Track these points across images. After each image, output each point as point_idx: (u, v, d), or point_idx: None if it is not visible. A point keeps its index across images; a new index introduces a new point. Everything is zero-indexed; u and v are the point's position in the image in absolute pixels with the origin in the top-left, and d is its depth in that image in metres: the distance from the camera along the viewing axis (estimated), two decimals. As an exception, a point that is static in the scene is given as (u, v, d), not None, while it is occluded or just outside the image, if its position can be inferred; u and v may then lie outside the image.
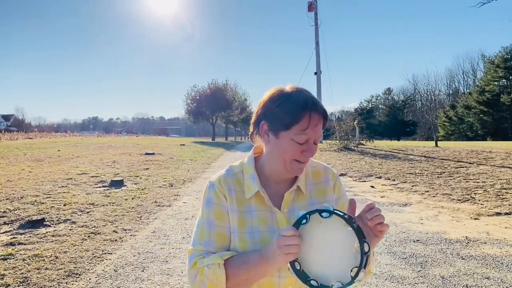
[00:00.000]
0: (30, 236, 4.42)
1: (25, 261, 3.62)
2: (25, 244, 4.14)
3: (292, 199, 1.12)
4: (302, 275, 0.93)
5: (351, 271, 0.88)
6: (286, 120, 1.04)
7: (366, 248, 0.87)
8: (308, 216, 0.92)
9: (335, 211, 0.90)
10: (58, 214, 5.44)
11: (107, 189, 7.64)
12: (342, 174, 10.42)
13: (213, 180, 1.15)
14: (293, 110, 1.03)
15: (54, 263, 3.59)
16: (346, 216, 0.89)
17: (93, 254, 3.90)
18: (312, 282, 0.92)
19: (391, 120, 61.34)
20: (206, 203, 1.12)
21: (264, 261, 0.96)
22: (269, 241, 1.01)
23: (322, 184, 1.16)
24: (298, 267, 0.93)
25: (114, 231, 4.76)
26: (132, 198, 6.83)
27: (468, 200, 6.56)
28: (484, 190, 7.25)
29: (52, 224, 4.96)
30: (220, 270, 0.99)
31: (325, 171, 1.18)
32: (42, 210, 5.59)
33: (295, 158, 1.05)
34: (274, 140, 1.07)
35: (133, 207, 6.11)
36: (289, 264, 0.94)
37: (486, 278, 3.24)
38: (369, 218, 0.93)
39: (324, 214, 0.91)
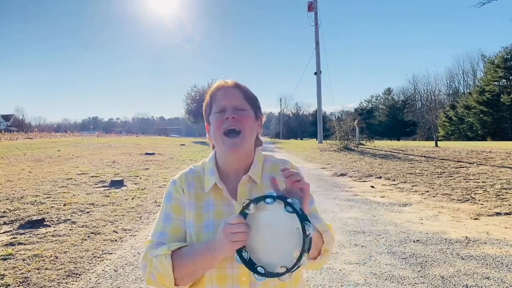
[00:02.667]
0: (30, 236, 4.42)
1: (25, 261, 3.62)
2: (25, 244, 4.14)
3: (249, 191, 1.13)
4: (249, 264, 0.92)
5: (294, 254, 0.86)
6: (207, 103, 1.18)
7: (308, 230, 0.85)
8: (253, 203, 0.93)
9: (279, 195, 0.90)
10: (58, 214, 5.44)
11: (107, 189, 7.64)
12: (342, 174, 10.42)
13: (175, 177, 1.20)
14: (208, 95, 1.18)
15: (54, 263, 3.59)
16: (288, 200, 0.88)
17: (93, 254, 3.90)
18: (259, 269, 0.91)
19: (391, 120, 61.33)
20: (166, 198, 1.16)
21: (211, 251, 0.97)
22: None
23: (280, 177, 1.15)
24: (245, 256, 0.93)
25: (114, 231, 4.76)
26: (132, 198, 6.84)
27: (468, 200, 6.56)
28: (484, 190, 7.25)
29: (52, 224, 4.96)
30: (167, 260, 1.01)
31: (283, 164, 1.20)
32: (42, 210, 5.59)
33: (223, 131, 1.09)
34: (210, 129, 1.18)
35: (133, 207, 6.12)
36: (236, 253, 0.93)
37: (486, 278, 3.24)
38: (285, 177, 0.93)
39: (267, 199, 0.91)
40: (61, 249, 3.98)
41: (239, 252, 0.93)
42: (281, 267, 0.88)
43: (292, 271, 0.87)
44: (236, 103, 1.12)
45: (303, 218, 0.86)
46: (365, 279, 3.26)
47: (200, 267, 1.00)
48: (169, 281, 1.01)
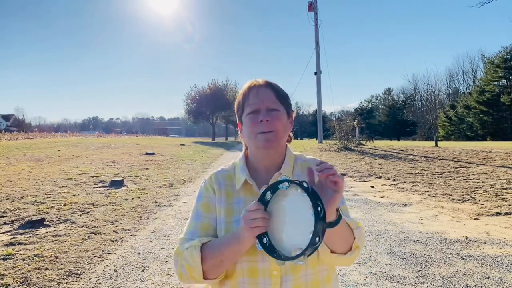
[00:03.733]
0: (30, 236, 4.42)
1: (25, 261, 3.62)
2: (25, 244, 4.14)
3: None
4: (269, 249, 0.93)
5: (310, 235, 0.86)
6: (240, 103, 1.18)
7: (320, 211, 0.85)
8: (269, 190, 0.94)
9: (293, 180, 0.91)
10: (58, 214, 5.44)
11: (107, 189, 7.64)
12: (342, 174, 10.40)
13: (206, 177, 1.23)
14: (240, 95, 1.18)
15: (54, 263, 3.59)
16: (302, 183, 0.89)
17: (93, 254, 3.90)
18: (277, 253, 0.91)
19: (391, 120, 61.31)
20: (197, 197, 1.19)
21: (235, 239, 0.98)
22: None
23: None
24: (265, 242, 0.93)
25: (114, 231, 4.76)
26: (132, 198, 6.83)
27: (468, 200, 6.56)
28: (484, 190, 7.25)
29: (52, 224, 4.96)
30: (196, 251, 1.03)
31: (314, 163, 1.20)
32: (42, 210, 5.59)
33: (258, 131, 1.10)
34: (243, 128, 1.18)
35: (133, 207, 6.12)
36: (256, 239, 0.94)
37: (486, 278, 3.24)
38: (319, 171, 0.93)
39: (282, 185, 0.92)
40: (61, 249, 3.98)
41: (260, 238, 0.94)
42: (297, 249, 0.88)
43: (307, 254, 0.87)
44: (269, 104, 1.12)
45: (315, 199, 0.87)
46: (365, 279, 3.26)
47: (227, 257, 1.01)
48: (198, 272, 1.02)
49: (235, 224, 1.09)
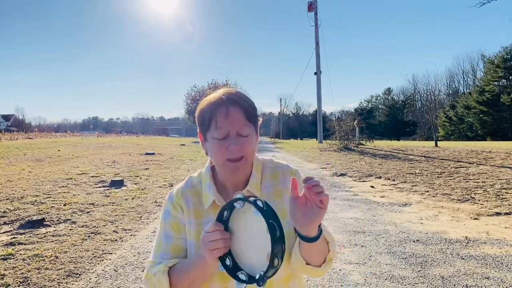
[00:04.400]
0: (30, 236, 4.42)
1: (25, 261, 3.63)
2: (25, 244, 4.14)
3: None
4: (232, 270, 0.90)
5: (267, 257, 0.83)
6: (204, 119, 1.05)
7: (275, 229, 0.82)
8: (226, 209, 0.91)
9: (247, 197, 0.88)
10: (58, 214, 5.44)
11: (107, 189, 7.64)
12: (342, 174, 10.43)
13: (172, 192, 1.16)
14: (205, 107, 1.05)
15: (54, 263, 3.59)
16: (256, 201, 0.85)
17: (93, 254, 3.90)
18: (240, 275, 0.89)
19: (391, 120, 61.34)
20: (164, 216, 1.13)
21: (200, 261, 0.96)
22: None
23: (279, 185, 1.12)
24: (228, 263, 0.91)
25: (114, 231, 4.76)
26: (132, 198, 6.84)
27: (468, 200, 6.56)
28: (484, 190, 7.25)
29: (52, 224, 4.96)
30: (164, 277, 1.01)
31: (283, 172, 1.14)
32: (42, 210, 5.60)
33: (226, 158, 1.02)
34: (206, 145, 1.08)
35: (133, 207, 6.12)
36: (218, 261, 0.91)
37: (486, 278, 3.24)
38: (308, 188, 0.87)
39: (236, 203, 0.88)
40: (61, 249, 3.98)
41: (223, 259, 0.91)
42: (260, 271, 0.85)
43: (268, 276, 0.84)
44: (238, 129, 1.01)
45: (270, 217, 0.83)
46: (365, 279, 3.26)
47: (194, 280, 0.99)
48: None
49: None
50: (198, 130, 1.12)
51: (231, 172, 1.04)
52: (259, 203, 0.85)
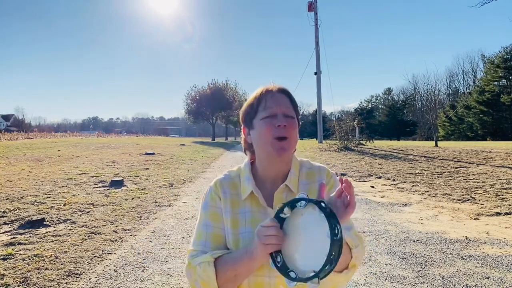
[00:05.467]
0: (30, 236, 4.42)
1: (25, 261, 3.62)
2: (25, 244, 4.14)
3: (285, 199, 1.12)
4: (282, 268, 0.91)
5: (322, 258, 0.84)
6: (252, 107, 1.15)
7: (337, 232, 0.83)
8: (286, 206, 0.92)
9: (311, 199, 0.89)
10: (58, 214, 5.44)
11: (107, 189, 7.64)
12: (342, 174, 10.43)
13: (211, 184, 1.20)
14: (254, 96, 1.16)
15: (54, 263, 3.59)
16: (320, 203, 0.87)
17: (93, 254, 3.90)
18: (290, 273, 0.90)
19: (391, 120, 61.30)
20: (203, 207, 1.17)
21: (249, 255, 0.97)
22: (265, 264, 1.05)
23: (315, 183, 1.16)
24: (279, 260, 0.92)
25: (114, 231, 4.76)
26: (132, 198, 6.84)
27: (468, 200, 6.56)
28: (484, 190, 7.25)
29: (52, 224, 4.96)
30: (210, 267, 1.01)
31: (319, 171, 1.19)
32: (42, 210, 5.59)
33: (274, 136, 1.08)
34: (253, 133, 1.14)
35: (133, 207, 6.12)
36: (270, 257, 0.92)
37: (486, 278, 3.24)
38: (344, 186, 0.90)
39: (300, 203, 0.90)
40: (61, 249, 3.98)
41: (273, 255, 0.92)
42: (312, 270, 0.86)
43: (320, 276, 0.85)
44: (285, 110, 1.11)
45: (332, 220, 0.84)
46: (365, 279, 3.26)
47: (240, 272, 1.00)
48: (213, 287, 1.01)
49: (241, 236, 1.08)
50: (242, 126, 1.21)
51: (277, 153, 1.08)
52: (323, 204, 0.87)
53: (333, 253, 0.83)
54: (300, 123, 1.21)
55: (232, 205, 1.13)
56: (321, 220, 0.86)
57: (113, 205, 6.19)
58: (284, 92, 1.15)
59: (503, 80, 47.81)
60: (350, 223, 1.11)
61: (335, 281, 1.06)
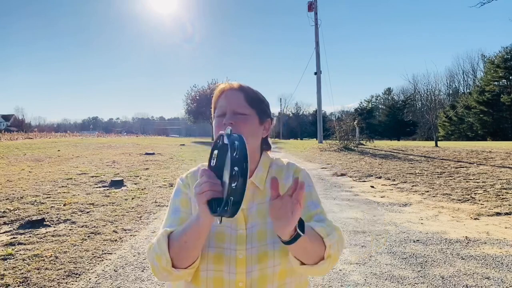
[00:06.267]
0: (30, 236, 4.42)
1: (25, 261, 3.62)
2: (25, 244, 4.14)
3: (252, 196, 1.12)
4: (215, 212, 0.86)
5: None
6: (212, 105, 1.18)
7: (231, 181, 0.80)
8: (213, 151, 0.93)
9: (230, 138, 0.87)
10: (58, 214, 5.44)
11: (107, 189, 7.64)
12: (342, 174, 10.43)
13: (183, 175, 1.22)
14: (214, 95, 1.18)
15: (54, 263, 3.59)
16: (233, 143, 0.85)
17: (93, 254, 3.90)
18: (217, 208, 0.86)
19: (391, 120, 61.34)
20: (175, 194, 1.17)
21: (196, 218, 0.94)
22: (223, 237, 1.05)
23: (282, 181, 1.16)
24: (213, 206, 0.86)
25: (114, 231, 4.76)
26: (132, 198, 6.83)
27: (468, 200, 6.56)
28: (484, 190, 7.25)
29: (52, 224, 4.96)
30: (163, 238, 1.00)
31: (287, 169, 1.18)
32: (42, 210, 5.59)
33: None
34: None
35: (133, 207, 6.11)
36: (207, 207, 0.87)
37: (486, 278, 3.24)
38: (295, 187, 0.86)
39: (219, 141, 0.91)
40: (61, 249, 3.98)
41: (211, 204, 0.86)
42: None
43: (220, 216, 0.83)
44: (235, 107, 1.10)
45: (234, 164, 0.81)
46: (365, 279, 3.26)
47: (190, 236, 0.96)
48: (166, 260, 0.97)
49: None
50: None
51: None
52: (236, 143, 0.84)
53: (228, 198, 0.81)
54: (272, 120, 1.19)
55: None
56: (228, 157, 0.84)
57: (113, 205, 6.19)
58: (239, 89, 1.14)
59: (503, 80, 47.84)
60: (323, 214, 1.10)
61: (311, 274, 1.03)
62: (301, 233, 0.90)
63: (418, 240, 4.35)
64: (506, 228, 4.83)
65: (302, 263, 0.99)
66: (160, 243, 1.00)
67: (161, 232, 1.02)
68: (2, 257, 3.71)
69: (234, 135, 0.87)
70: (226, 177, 0.86)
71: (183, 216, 1.10)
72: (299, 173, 1.18)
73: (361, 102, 75.60)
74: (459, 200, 6.58)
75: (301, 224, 0.91)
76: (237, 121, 1.08)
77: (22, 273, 3.33)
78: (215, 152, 0.93)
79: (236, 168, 0.80)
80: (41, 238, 4.36)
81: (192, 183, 1.14)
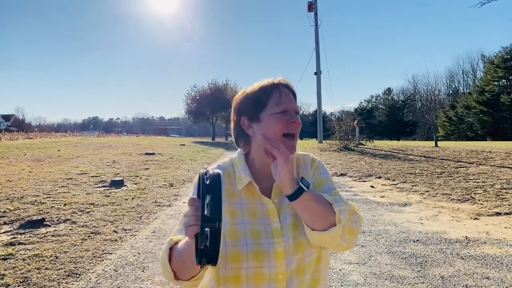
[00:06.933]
0: (30, 236, 4.42)
1: (25, 261, 3.63)
2: (25, 244, 4.14)
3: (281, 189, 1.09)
4: (198, 253, 0.79)
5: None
6: (260, 99, 1.10)
7: (206, 210, 0.75)
8: (203, 178, 0.83)
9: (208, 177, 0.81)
10: (58, 214, 5.44)
11: (107, 189, 7.64)
12: (342, 174, 10.43)
13: (202, 171, 1.15)
14: (262, 88, 1.12)
15: (54, 263, 3.59)
16: (204, 176, 0.80)
17: (93, 254, 3.90)
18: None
19: (391, 120, 61.30)
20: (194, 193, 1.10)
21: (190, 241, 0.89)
22: (258, 233, 1.04)
23: (301, 170, 1.18)
24: (203, 242, 0.78)
25: (114, 231, 4.76)
26: (132, 198, 6.84)
27: (468, 200, 6.56)
28: (484, 190, 7.25)
29: (52, 224, 4.96)
30: (165, 251, 0.97)
31: (304, 159, 1.20)
32: (42, 210, 5.60)
33: (283, 132, 1.07)
34: (258, 126, 1.09)
35: (133, 207, 6.12)
36: (194, 240, 0.81)
37: (486, 278, 3.24)
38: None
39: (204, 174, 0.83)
40: (61, 249, 3.98)
41: (197, 238, 0.79)
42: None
43: (199, 258, 0.78)
44: (296, 107, 1.12)
45: (206, 221, 0.75)
46: (365, 279, 3.26)
47: (186, 258, 0.91)
48: (168, 272, 0.96)
49: (239, 226, 1.05)
50: (233, 118, 1.17)
51: (288, 151, 1.05)
52: (206, 178, 0.80)
53: (204, 233, 0.75)
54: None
55: (228, 194, 1.08)
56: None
57: (113, 205, 6.19)
58: (290, 88, 1.15)
59: (503, 80, 47.81)
60: (338, 195, 1.11)
61: (325, 241, 1.02)
62: (304, 187, 0.98)
63: (418, 240, 4.35)
64: (506, 228, 4.83)
65: (312, 230, 1.01)
66: (163, 255, 0.98)
67: (168, 241, 1.00)
68: (2, 257, 3.72)
69: (209, 180, 0.80)
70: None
71: None
72: (315, 161, 1.20)
73: (361, 102, 75.57)
74: (459, 200, 6.59)
75: (306, 185, 0.99)
76: (298, 122, 1.10)
77: (22, 273, 3.33)
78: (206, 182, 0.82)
79: (207, 229, 0.75)
80: (41, 238, 4.37)
81: None
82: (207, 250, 0.76)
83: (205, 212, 0.76)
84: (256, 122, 1.10)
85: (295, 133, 1.09)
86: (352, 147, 19.45)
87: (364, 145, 21.23)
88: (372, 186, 8.35)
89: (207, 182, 0.79)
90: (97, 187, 7.84)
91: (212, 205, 0.76)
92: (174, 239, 1.00)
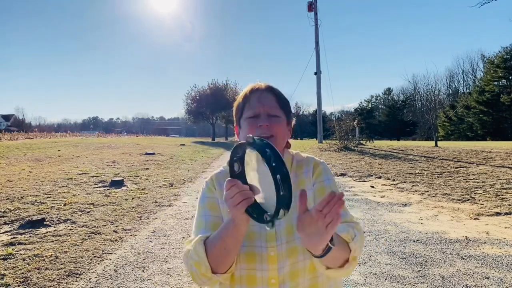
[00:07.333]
0: (30, 236, 4.42)
1: (25, 261, 3.63)
2: (25, 244, 4.14)
3: None
4: (259, 218, 0.88)
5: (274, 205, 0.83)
6: (239, 106, 1.17)
7: (279, 190, 0.80)
8: (234, 163, 0.92)
9: (256, 144, 0.86)
10: (58, 214, 5.44)
11: (107, 189, 7.64)
12: (342, 174, 10.43)
13: (207, 179, 1.21)
14: (242, 95, 1.17)
15: (54, 263, 3.59)
16: (266, 150, 0.83)
17: (93, 254, 3.90)
18: (265, 216, 0.87)
19: (391, 120, 61.27)
20: (201, 200, 1.17)
21: (231, 223, 0.94)
22: (254, 235, 1.05)
23: (303, 175, 1.16)
24: (252, 212, 0.89)
25: (114, 231, 4.76)
26: (132, 198, 6.84)
27: (468, 200, 6.56)
28: (484, 190, 7.25)
29: (52, 224, 4.96)
30: (200, 245, 1.00)
31: (307, 163, 1.18)
32: (42, 210, 5.60)
33: (256, 135, 1.07)
34: (241, 132, 1.16)
35: (133, 207, 6.12)
36: (247, 215, 0.90)
37: (486, 278, 3.24)
38: (325, 203, 0.79)
39: (248, 149, 0.87)
40: (61, 249, 3.98)
41: (249, 212, 0.89)
42: (268, 214, 0.86)
43: (272, 223, 0.85)
44: (269, 110, 1.11)
45: (276, 172, 0.81)
46: (365, 279, 3.26)
47: (229, 243, 0.96)
48: (205, 267, 0.98)
49: None
50: (234, 124, 1.23)
51: None
52: (270, 155, 0.83)
53: (280, 207, 0.81)
54: (293, 120, 1.21)
55: None
56: (262, 163, 0.84)
57: (113, 205, 6.19)
58: (270, 90, 1.15)
59: (503, 80, 47.79)
60: (345, 210, 1.08)
61: (336, 276, 1.03)
62: (332, 246, 0.87)
63: (418, 240, 4.35)
64: (505, 228, 4.84)
65: (328, 268, 0.99)
66: (197, 250, 1.00)
67: (196, 240, 1.02)
68: (3, 257, 3.72)
69: (258, 142, 0.86)
70: (253, 181, 0.89)
71: (214, 221, 1.10)
72: (318, 165, 1.18)
73: (361, 102, 75.52)
74: (459, 200, 6.59)
75: (331, 241, 0.88)
76: (272, 124, 1.09)
77: (23, 273, 3.33)
78: (238, 158, 0.92)
79: (278, 176, 0.80)
80: (41, 238, 4.37)
81: (216, 184, 1.15)
82: (284, 199, 0.81)
83: (271, 162, 0.81)
84: (240, 127, 1.17)
85: (272, 135, 1.09)
86: (352, 147, 19.44)
87: (364, 145, 21.22)
88: (372, 186, 8.35)
89: (273, 165, 0.82)
90: (97, 187, 7.84)
91: (281, 181, 0.81)
92: (203, 236, 1.02)
